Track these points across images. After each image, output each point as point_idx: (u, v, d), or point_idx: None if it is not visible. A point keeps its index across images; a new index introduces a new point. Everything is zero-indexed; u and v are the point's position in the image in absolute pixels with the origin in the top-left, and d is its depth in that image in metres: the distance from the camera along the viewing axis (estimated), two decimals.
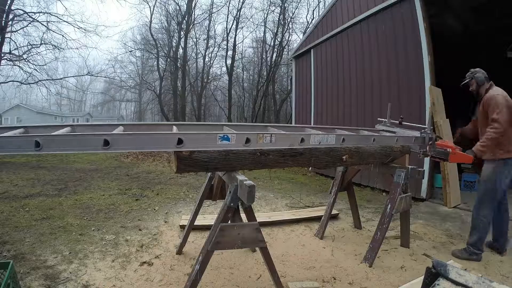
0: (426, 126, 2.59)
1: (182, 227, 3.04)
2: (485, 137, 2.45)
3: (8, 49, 10.19)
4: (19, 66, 10.79)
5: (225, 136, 1.45)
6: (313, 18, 18.23)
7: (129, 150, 1.32)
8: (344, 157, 2.14)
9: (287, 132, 1.71)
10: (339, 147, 2.08)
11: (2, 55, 9.71)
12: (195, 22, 19.19)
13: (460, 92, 2.97)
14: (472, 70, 2.75)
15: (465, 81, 2.73)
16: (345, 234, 3.16)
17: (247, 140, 1.51)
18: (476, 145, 2.50)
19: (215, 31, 26.67)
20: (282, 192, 5.07)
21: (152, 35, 18.44)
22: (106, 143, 1.20)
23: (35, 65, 11.14)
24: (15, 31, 10.35)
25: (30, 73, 11.06)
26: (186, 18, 18.30)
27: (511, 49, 5.91)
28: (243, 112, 24.42)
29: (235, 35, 19.30)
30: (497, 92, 2.51)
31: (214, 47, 20.59)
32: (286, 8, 18.52)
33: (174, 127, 1.62)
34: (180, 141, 1.35)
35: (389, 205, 2.47)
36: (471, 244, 2.57)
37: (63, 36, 11.21)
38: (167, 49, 19.51)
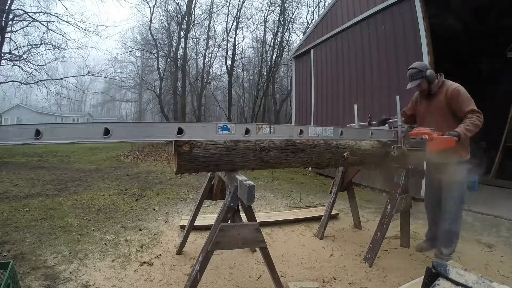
0: (395, 120, 2.34)
1: (182, 227, 3.04)
2: (469, 122, 2.18)
3: (8, 49, 10.21)
4: (19, 66, 10.82)
5: (225, 127, 1.45)
6: (313, 18, 18.23)
7: (129, 139, 1.33)
8: (345, 154, 2.12)
9: (286, 124, 1.71)
10: (337, 143, 2.08)
11: (2, 55, 9.72)
12: (195, 22, 19.17)
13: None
14: (416, 68, 2.44)
15: (416, 83, 2.45)
16: (345, 234, 3.16)
17: (247, 131, 1.50)
18: (459, 127, 2.19)
19: (215, 31, 26.70)
20: (282, 192, 5.07)
21: (152, 35, 18.43)
22: (107, 131, 1.20)
23: (35, 65, 11.17)
24: (15, 31, 10.37)
25: (30, 73, 11.08)
26: (186, 18, 18.29)
27: (511, 49, 5.91)
28: (243, 112, 24.42)
29: (235, 35, 19.29)
30: (457, 84, 2.36)
31: (214, 47, 20.59)
32: (286, 8, 18.51)
33: None
34: (180, 131, 1.35)
35: (389, 205, 2.47)
36: (448, 255, 2.39)
37: (63, 36, 11.25)
38: (167, 49, 19.50)
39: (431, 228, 2.71)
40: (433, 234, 2.66)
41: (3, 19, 9.37)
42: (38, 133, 1.08)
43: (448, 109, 2.36)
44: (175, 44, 19.23)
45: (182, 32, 18.46)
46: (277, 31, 18.89)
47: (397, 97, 2.32)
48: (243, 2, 18.53)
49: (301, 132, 1.68)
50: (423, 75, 2.40)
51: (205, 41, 20.28)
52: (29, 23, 10.52)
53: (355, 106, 2.81)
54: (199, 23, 19.59)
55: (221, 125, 1.44)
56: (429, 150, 2.14)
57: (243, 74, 23.63)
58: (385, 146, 2.35)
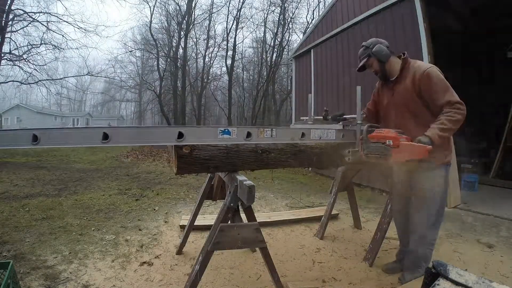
0: (355, 116, 1.93)
1: (182, 227, 3.04)
2: (445, 118, 1.65)
3: (8, 49, 10.21)
4: (19, 66, 10.81)
5: (226, 130, 1.44)
6: (313, 18, 18.27)
7: (128, 144, 1.32)
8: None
9: (288, 127, 1.70)
10: (338, 143, 2.07)
11: (2, 55, 9.71)
12: (195, 22, 19.25)
13: (458, 92, 2.85)
14: (363, 45, 1.98)
15: (361, 63, 1.97)
16: (345, 234, 3.16)
17: (248, 134, 1.50)
18: (430, 129, 1.67)
19: (215, 31, 26.79)
20: (282, 192, 5.07)
21: (152, 35, 18.48)
22: (106, 136, 1.18)
23: (35, 65, 11.15)
24: (15, 31, 10.37)
25: (30, 73, 11.08)
26: (186, 18, 18.33)
27: (511, 49, 5.91)
28: (243, 112, 24.45)
29: (235, 35, 19.40)
30: (429, 65, 1.82)
31: (214, 47, 20.68)
32: (286, 8, 18.60)
33: None
34: (180, 135, 1.34)
35: (389, 205, 2.47)
36: None
37: (63, 36, 11.26)
38: (167, 49, 19.56)
39: (402, 245, 2.29)
40: (403, 254, 2.22)
41: (3, 19, 9.36)
42: (35, 138, 1.08)
43: (419, 99, 1.82)
44: (175, 44, 19.30)
45: (182, 32, 18.51)
46: (277, 31, 18.99)
47: (358, 88, 1.85)
48: (243, 2, 18.63)
49: (303, 135, 1.68)
50: (369, 53, 1.90)
51: (205, 41, 20.37)
52: (29, 23, 10.53)
53: (310, 95, 2.56)
54: (199, 23, 19.68)
55: (222, 129, 1.43)
56: (393, 160, 1.63)
57: (243, 74, 23.71)
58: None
